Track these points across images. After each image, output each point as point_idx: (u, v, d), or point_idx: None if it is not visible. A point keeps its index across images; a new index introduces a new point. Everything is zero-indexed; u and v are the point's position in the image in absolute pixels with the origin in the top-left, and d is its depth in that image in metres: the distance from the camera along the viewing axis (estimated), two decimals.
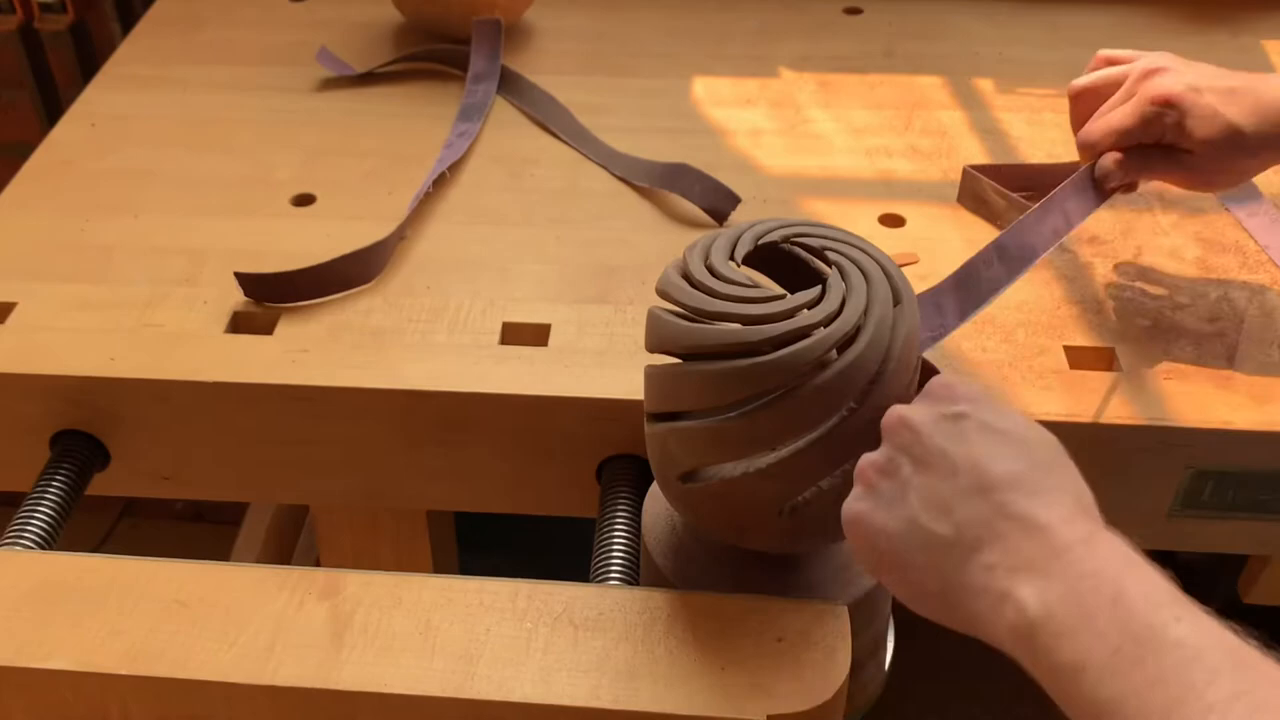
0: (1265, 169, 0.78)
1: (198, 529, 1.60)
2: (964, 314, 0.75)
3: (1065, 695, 0.44)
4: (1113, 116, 0.77)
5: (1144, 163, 0.77)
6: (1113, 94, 0.78)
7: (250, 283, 0.83)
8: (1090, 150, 0.78)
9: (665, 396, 0.62)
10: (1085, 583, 0.44)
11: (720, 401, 0.59)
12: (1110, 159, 0.77)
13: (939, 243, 0.89)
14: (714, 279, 0.60)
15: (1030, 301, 0.84)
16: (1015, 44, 1.16)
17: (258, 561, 1.21)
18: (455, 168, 0.97)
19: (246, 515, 1.31)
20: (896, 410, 0.54)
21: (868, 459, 0.54)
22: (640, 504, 0.73)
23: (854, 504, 0.54)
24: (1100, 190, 0.78)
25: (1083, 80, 0.81)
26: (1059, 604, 0.44)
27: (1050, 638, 0.44)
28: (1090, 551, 0.46)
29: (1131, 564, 0.45)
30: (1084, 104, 0.81)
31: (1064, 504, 0.48)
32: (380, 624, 0.63)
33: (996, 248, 0.76)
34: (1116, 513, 0.78)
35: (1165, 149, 0.76)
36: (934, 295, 0.76)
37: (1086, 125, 0.79)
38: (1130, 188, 0.80)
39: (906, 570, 0.51)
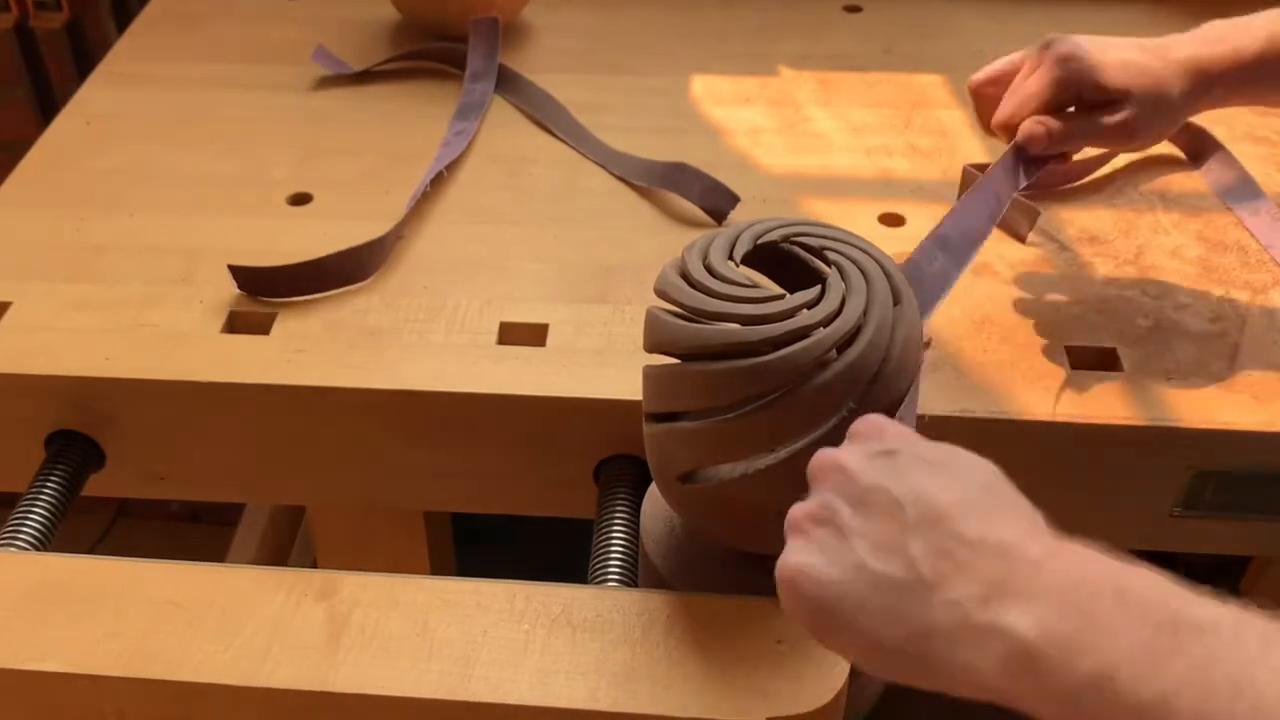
0: (1188, 116, 0.77)
1: (193, 530, 1.60)
2: (921, 311, 0.73)
3: (1094, 714, 0.39)
4: (1023, 87, 0.76)
5: (1068, 126, 0.75)
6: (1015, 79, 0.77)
7: (245, 277, 0.83)
8: (1007, 126, 0.77)
9: (664, 397, 0.61)
10: (1079, 590, 0.41)
11: (719, 402, 0.59)
12: (1031, 121, 0.75)
13: None
14: (713, 279, 0.60)
15: (1032, 301, 0.83)
16: (1016, 42, 1.13)
17: (254, 563, 1.21)
18: (453, 167, 0.97)
19: (242, 516, 1.31)
20: (824, 453, 0.50)
21: (799, 509, 0.49)
22: (638, 505, 0.72)
23: (791, 558, 0.48)
24: (1027, 164, 0.76)
25: (981, 73, 0.80)
26: (1057, 619, 0.41)
27: (1060, 657, 0.40)
28: (1066, 561, 0.43)
29: (1117, 563, 0.42)
30: (987, 99, 0.79)
31: (1017, 522, 0.45)
32: (377, 625, 0.62)
33: (937, 240, 0.72)
34: (1117, 513, 0.79)
35: (1086, 110, 0.75)
36: None
37: (999, 108, 0.77)
38: (1063, 159, 0.78)
39: (859, 625, 0.45)
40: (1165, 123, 0.77)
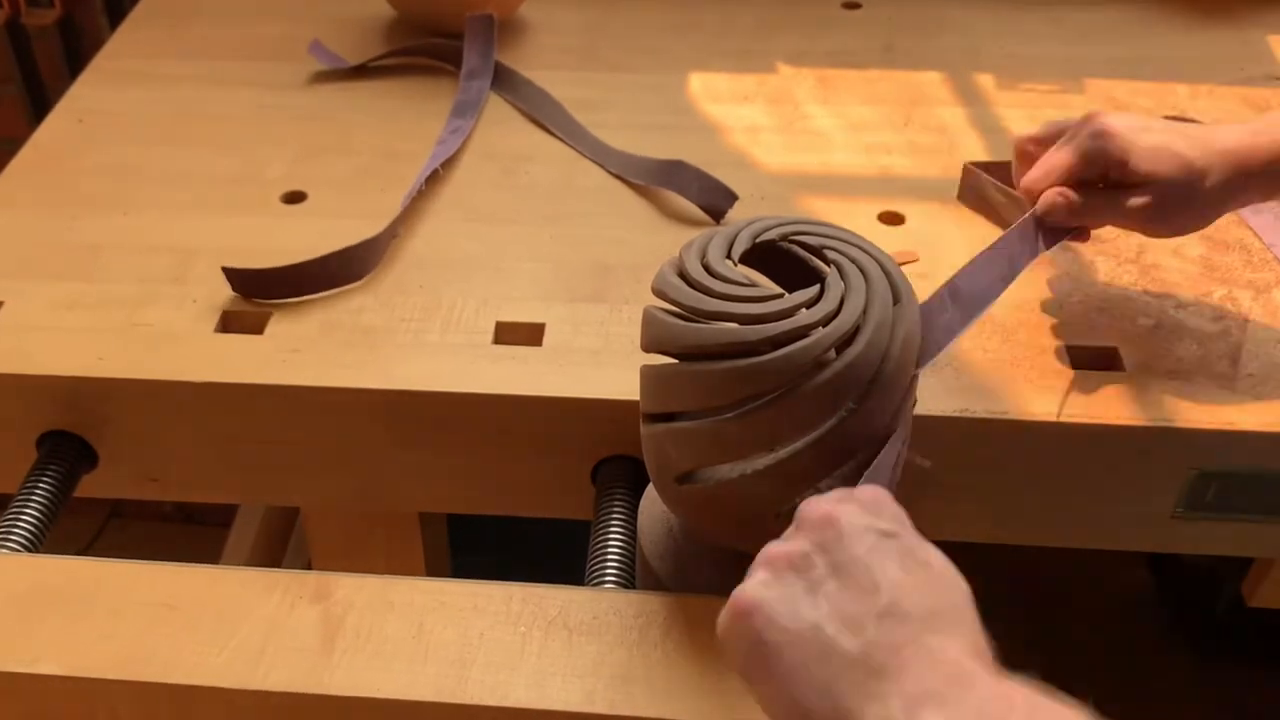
0: (1224, 212, 0.75)
1: (186, 531, 1.59)
2: (921, 363, 0.73)
3: None
4: (1052, 156, 0.75)
5: (1089, 201, 0.74)
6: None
7: (239, 278, 0.83)
8: (1031, 196, 0.76)
9: (661, 397, 0.61)
10: (995, 704, 0.42)
11: (717, 402, 0.58)
12: (1053, 192, 0.74)
13: (939, 241, 0.89)
14: (711, 278, 0.59)
15: (1032, 301, 0.83)
16: (1016, 39, 1.15)
17: (247, 565, 1.20)
18: (448, 165, 0.96)
19: (236, 517, 1.31)
20: (823, 505, 0.50)
21: (778, 547, 0.49)
22: (636, 506, 0.72)
23: (753, 589, 0.48)
24: (1046, 233, 0.75)
25: (1027, 132, 0.79)
26: None
27: None
28: (995, 680, 0.43)
29: (1042, 693, 0.43)
30: (1027, 157, 0.79)
31: (967, 645, 0.45)
32: (372, 628, 0.62)
33: (950, 290, 0.71)
34: (1118, 514, 0.78)
35: (1112, 189, 0.74)
36: None
37: (1029, 172, 0.77)
38: (1082, 236, 0.77)
39: (792, 684, 0.45)
40: (1193, 215, 0.75)
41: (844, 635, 0.45)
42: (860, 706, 0.43)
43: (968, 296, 0.71)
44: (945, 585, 0.47)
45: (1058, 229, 0.76)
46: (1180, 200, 0.73)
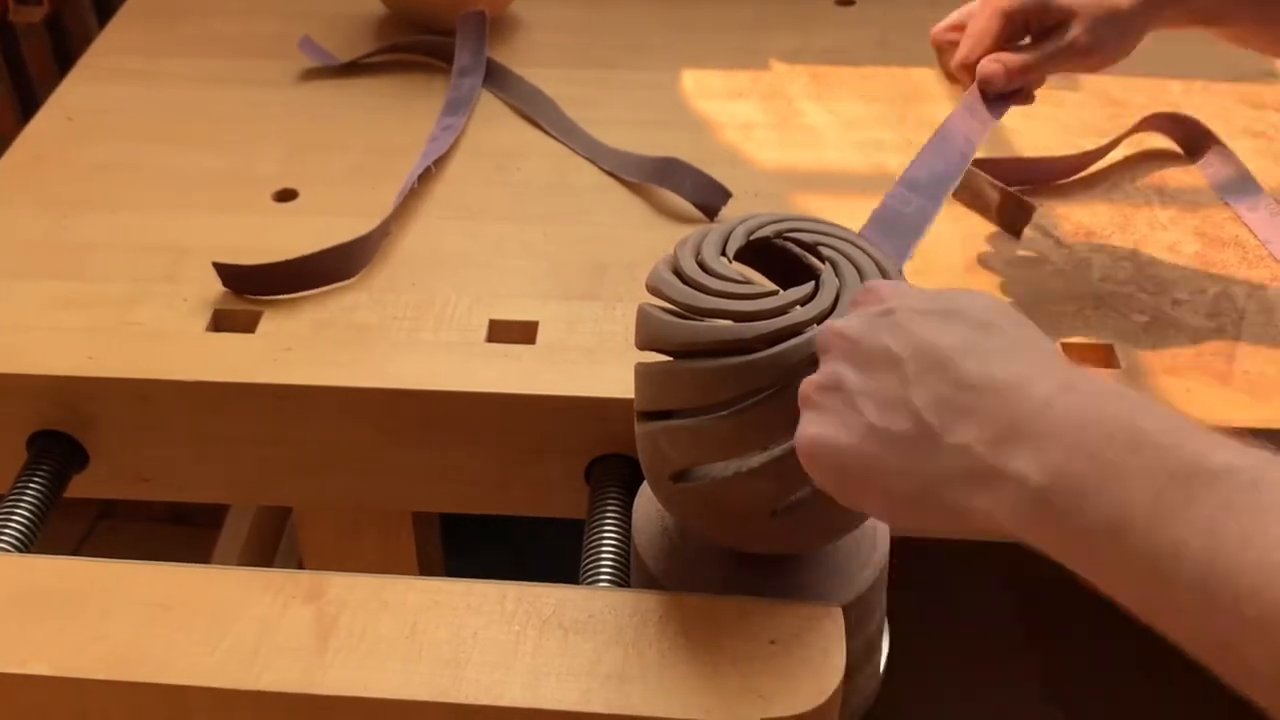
0: (1149, 30, 0.76)
1: (177, 532, 1.59)
2: (902, 253, 0.72)
3: (1104, 561, 0.39)
4: (975, 25, 0.76)
5: (1023, 59, 0.75)
6: None
7: (230, 274, 0.82)
8: (967, 71, 0.77)
9: (656, 395, 0.61)
10: (1089, 432, 0.40)
11: (712, 400, 0.58)
12: (988, 60, 0.75)
13: (934, 237, 0.87)
14: (705, 275, 0.59)
15: (1027, 298, 0.83)
16: None
17: (239, 565, 1.20)
18: (440, 162, 0.96)
19: (227, 518, 1.30)
20: (827, 325, 0.52)
21: (809, 381, 0.51)
22: (630, 504, 0.72)
23: (805, 430, 0.49)
24: (991, 103, 0.76)
25: (941, 23, 0.81)
26: (1067, 463, 0.40)
27: (1070, 503, 0.39)
28: (1077, 399, 0.41)
29: (1132, 400, 0.41)
30: (950, 46, 0.80)
31: (1025, 357, 0.44)
32: (366, 627, 0.62)
33: (907, 184, 0.73)
34: None
35: (1037, 38, 0.75)
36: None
37: (958, 51, 0.78)
38: (1026, 99, 0.78)
39: (877, 484, 0.46)
40: (1119, 37, 0.76)
41: (894, 419, 0.45)
42: (943, 471, 0.43)
43: (928, 183, 0.72)
44: (967, 315, 0.47)
45: (1002, 97, 0.77)
46: (1103, 25, 0.74)
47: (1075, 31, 0.74)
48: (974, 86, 0.77)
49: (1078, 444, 0.40)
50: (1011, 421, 0.42)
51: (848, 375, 0.48)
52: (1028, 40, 0.77)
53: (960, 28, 0.79)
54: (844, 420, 0.47)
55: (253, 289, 0.82)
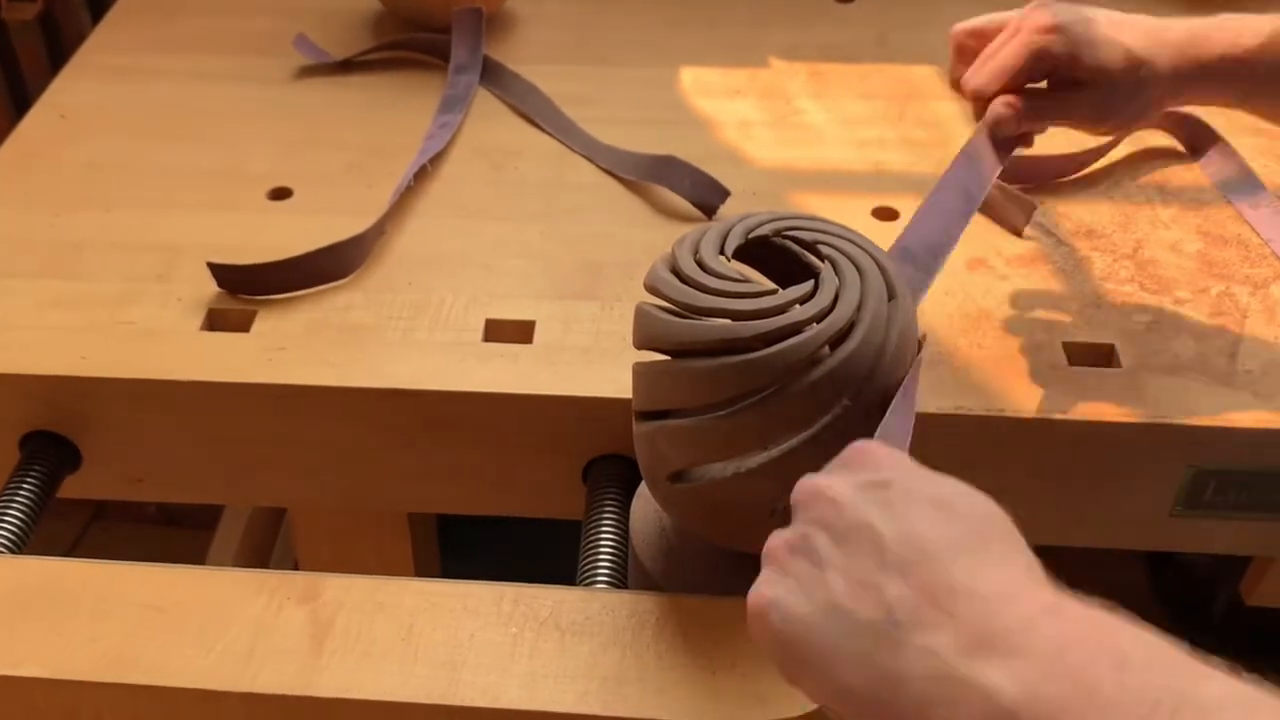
0: (1170, 105, 0.74)
1: (170, 533, 1.58)
2: None
3: None
4: (999, 56, 0.73)
5: (1037, 104, 0.73)
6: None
7: (224, 274, 0.82)
8: (978, 96, 0.74)
9: (654, 395, 0.60)
10: (1073, 653, 0.37)
11: (710, 399, 0.58)
12: (1001, 103, 0.72)
13: None
14: (704, 274, 0.59)
15: (1027, 297, 0.82)
16: None
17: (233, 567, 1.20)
18: (436, 160, 0.96)
19: (221, 519, 1.30)
20: (810, 480, 0.48)
21: (779, 536, 0.47)
22: (628, 505, 0.72)
23: (763, 590, 0.45)
24: (998, 147, 0.73)
25: (966, 23, 0.77)
26: (1044, 683, 0.37)
27: None
28: (1063, 619, 0.39)
29: (1119, 625, 0.39)
30: (966, 51, 0.77)
31: (1014, 574, 0.41)
32: (361, 629, 0.62)
33: (901, 251, 0.68)
34: (1116, 513, 0.78)
35: (1058, 87, 0.73)
36: None
37: (971, 68, 0.75)
38: (1026, 142, 0.75)
39: (827, 668, 0.42)
40: (1137, 112, 0.74)
41: (862, 604, 0.42)
42: (903, 669, 0.40)
43: (920, 252, 0.68)
44: (963, 512, 0.44)
45: (1008, 141, 0.74)
46: (1126, 95, 0.72)
47: (1095, 95, 0.72)
48: (982, 125, 0.74)
49: (1058, 664, 0.37)
50: (990, 632, 0.39)
51: (821, 543, 0.44)
52: (1044, 84, 0.74)
53: (982, 35, 0.76)
54: (806, 590, 0.44)
55: (247, 288, 0.82)
